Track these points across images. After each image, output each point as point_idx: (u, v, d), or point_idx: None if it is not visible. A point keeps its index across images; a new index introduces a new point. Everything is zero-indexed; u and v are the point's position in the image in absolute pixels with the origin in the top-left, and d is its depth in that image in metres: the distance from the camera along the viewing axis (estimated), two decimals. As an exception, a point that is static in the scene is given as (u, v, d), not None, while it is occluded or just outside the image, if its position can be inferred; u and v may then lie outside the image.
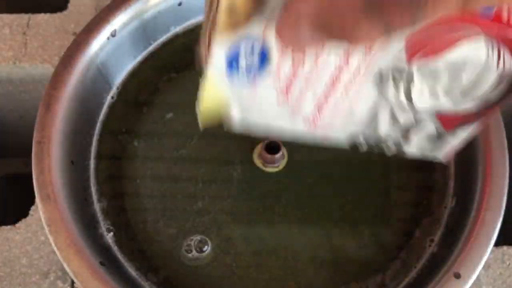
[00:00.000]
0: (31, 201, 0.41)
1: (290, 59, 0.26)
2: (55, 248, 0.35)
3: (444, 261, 0.37)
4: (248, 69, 0.26)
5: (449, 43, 0.25)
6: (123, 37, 0.43)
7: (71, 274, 0.35)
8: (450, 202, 0.39)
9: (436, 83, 0.26)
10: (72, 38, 0.47)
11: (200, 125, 0.28)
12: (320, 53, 0.25)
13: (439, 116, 0.28)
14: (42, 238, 0.41)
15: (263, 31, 0.24)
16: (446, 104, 0.27)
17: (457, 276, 0.35)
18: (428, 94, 0.27)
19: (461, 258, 0.36)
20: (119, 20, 0.43)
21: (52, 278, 0.40)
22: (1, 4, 0.56)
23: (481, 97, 0.26)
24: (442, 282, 0.35)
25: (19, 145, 0.46)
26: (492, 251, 0.38)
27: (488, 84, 0.26)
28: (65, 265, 0.35)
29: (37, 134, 0.38)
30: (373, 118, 0.28)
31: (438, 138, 0.29)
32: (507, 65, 0.25)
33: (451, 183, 0.40)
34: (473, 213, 0.38)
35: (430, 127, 0.28)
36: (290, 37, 0.22)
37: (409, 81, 0.26)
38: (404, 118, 0.28)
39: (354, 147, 0.29)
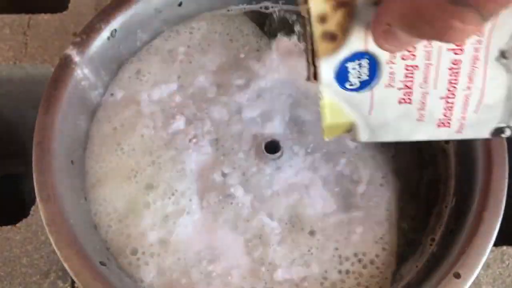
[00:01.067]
0: (32, 201, 0.41)
1: (401, 61, 0.26)
2: (55, 248, 0.35)
3: (444, 260, 0.37)
4: (361, 82, 0.27)
5: None
6: (123, 37, 0.43)
7: (71, 274, 0.35)
8: (450, 202, 0.39)
9: None
10: (72, 38, 0.47)
11: (325, 138, 0.29)
12: (429, 49, 0.25)
13: None
14: (43, 238, 0.41)
15: (365, 42, 0.25)
16: None
17: (457, 275, 0.35)
18: None
19: (461, 258, 0.36)
20: (119, 20, 0.43)
21: (52, 278, 0.40)
22: (2, 4, 0.56)
23: None
24: (441, 282, 0.35)
25: (19, 145, 0.47)
26: (491, 251, 0.38)
27: None
28: (65, 265, 0.35)
29: (37, 134, 0.38)
30: None
31: None
32: None
33: (452, 183, 0.40)
34: (473, 213, 0.38)
35: None
36: (388, 43, 0.23)
37: None
38: None
39: (496, 134, 0.29)
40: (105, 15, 0.42)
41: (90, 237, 0.37)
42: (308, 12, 0.25)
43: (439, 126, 0.28)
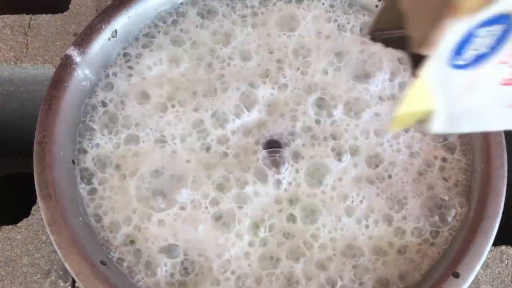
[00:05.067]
0: (32, 200, 0.41)
1: None
2: (56, 247, 0.35)
3: (443, 260, 0.37)
4: (477, 56, 0.22)
5: None
6: (124, 37, 0.44)
7: (72, 273, 0.35)
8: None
9: None
10: (73, 38, 0.47)
11: (392, 128, 0.26)
12: None
13: None
14: (43, 237, 0.41)
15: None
16: None
17: (456, 275, 0.35)
18: None
19: (460, 258, 0.36)
20: (120, 21, 0.43)
21: (53, 277, 0.40)
22: (3, 5, 0.56)
23: None
24: (441, 281, 0.35)
25: (20, 144, 0.47)
26: (490, 251, 0.38)
27: None
28: (66, 264, 0.35)
29: (38, 134, 0.38)
30: None
31: None
32: None
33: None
34: (472, 213, 0.38)
35: None
36: None
37: None
38: None
39: None
40: (106, 15, 0.43)
41: (91, 237, 0.37)
42: None
43: None
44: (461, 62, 0.22)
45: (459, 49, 0.22)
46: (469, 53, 0.22)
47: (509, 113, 0.25)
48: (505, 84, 0.23)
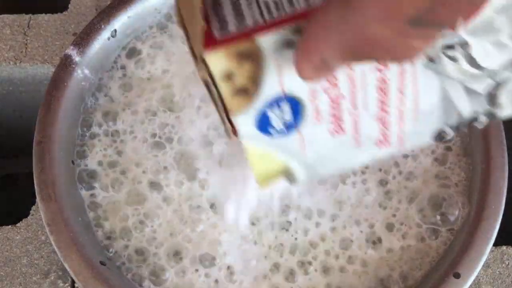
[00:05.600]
0: (32, 201, 0.41)
1: (324, 94, 0.24)
2: (55, 248, 0.35)
3: (443, 260, 0.37)
4: (286, 125, 0.25)
5: None
6: (124, 37, 0.43)
7: (71, 274, 0.35)
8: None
9: (496, 33, 0.24)
10: (72, 38, 0.47)
11: (260, 188, 0.27)
12: (352, 73, 0.24)
13: None
14: (43, 237, 0.41)
15: (280, 85, 0.24)
16: None
17: (457, 275, 0.35)
18: (493, 49, 0.24)
19: (460, 258, 0.36)
20: (120, 21, 0.43)
21: (52, 278, 0.40)
22: (2, 5, 0.56)
23: None
24: (442, 282, 0.35)
25: (19, 145, 0.47)
26: (491, 251, 0.38)
27: None
28: (65, 265, 0.35)
29: (37, 134, 0.38)
30: (449, 105, 0.26)
31: None
32: None
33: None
34: (472, 213, 0.38)
35: None
36: (320, 75, 0.22)
37: (464, 47, 0.24)
38: (481, 86, 0.25)
39: (439, 138, 0.27)
40: (105, 15, 0.42)
41: (90, 237, 0.37)
42: (209, 74, 0.23)
43: (379, 146, 0.27)
44: (277, 133, 0.25)
45: (263, 127, 0.25)
46: (278, 125, 0.25)
47: (359, 150, 0.27)
48: (334, 134, 0.26)
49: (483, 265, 0.36)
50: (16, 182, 0.59)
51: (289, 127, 0.25)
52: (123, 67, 0.43)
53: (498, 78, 0.25)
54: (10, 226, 0.42)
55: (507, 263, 0.40)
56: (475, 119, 0.27)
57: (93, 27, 0.42)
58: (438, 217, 0.38)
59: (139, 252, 0.38)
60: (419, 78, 0.25)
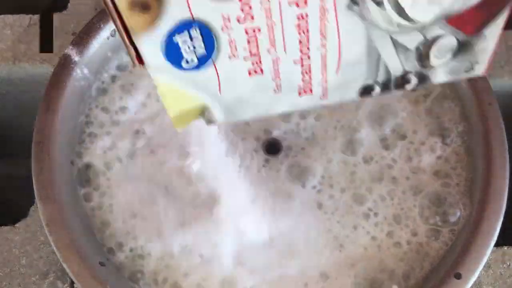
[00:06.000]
0: (31, 201, 0.41)
1: (238, 25, 0.22)
2: (54, 248, 0.35)
3: (444, 261, 0.37)
4: (198, 57, 0.23)
5: None
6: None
7: (70, 275, 0.35)
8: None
9: None
10: (72, 38, 0.47)
11: (177, 127, 0.26)
12: (268, 7, 0.22)
13: (451, 21, 0.23)
14: (42, 238, 0.41)
15: (189, 8, 0.21)
16: (450, 1, 0.22)
17: (458, 276, 0.35)
18: None
19: (461, 258, 0.35)
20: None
21: (51, 278, 0.40)
22: (2, 5, 0.56)
23: None
24: (442, 283, 0.35)
25: (18, 145, 0.46)
26: (492, 251, 0.38)
27: None
28: (64, 265, 0.35)
29: (36, 134, 0.38)
30: (376, 58, 0.24)
31: (464, 49, 0.24)
32: None
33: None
34: (473, 213, 0.37)
35: (448, 39, 0.23)
36: None
37: None
38: (411, 41, 0.23)
39: (365, 94, 0.25)
40: (105, 14, 0.42)
41: (90, 238, 0.37)
42: None
43: (300, 94, 0.25)
44: (188, 65, 0.23)
45: (172, 56, 0.22)
46: (189, 56, 0.22)
47: (280, 96, 0.25)
48: (252, 74, 0.24)
49: (484, 266, 0.36)
50: (16, 182, 0.59)
51: (203, 60, 0.23)
52: (123, 67, 0.43)
53: (428, 35, 0.23)
54: (9, 226, 0.42)
55: (508, 264, 0.40)
56: (406, 80, 0.25)
57: (92, 26, 0.42)
58: (439, 218, 0.38)
59: (139, 252, 0.38)
60: (342, 21, 0.22)
